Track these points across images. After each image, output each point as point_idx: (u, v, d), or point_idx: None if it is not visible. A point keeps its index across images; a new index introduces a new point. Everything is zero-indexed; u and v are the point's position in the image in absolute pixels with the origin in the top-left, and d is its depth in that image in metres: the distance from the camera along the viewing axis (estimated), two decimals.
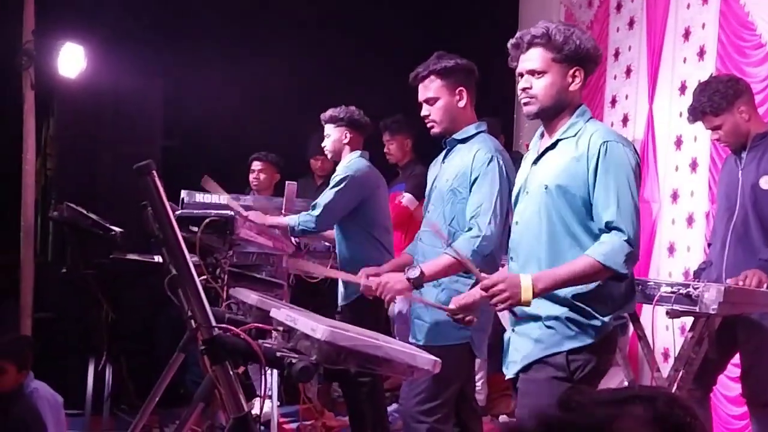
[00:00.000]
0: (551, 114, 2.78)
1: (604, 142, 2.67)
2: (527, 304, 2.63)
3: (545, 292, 2.64)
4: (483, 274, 2.77)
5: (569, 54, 2.71)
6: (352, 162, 4.54)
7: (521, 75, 2.79)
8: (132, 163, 2.21)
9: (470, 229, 3.30)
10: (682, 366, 3.52)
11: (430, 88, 3.46)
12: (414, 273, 3.22)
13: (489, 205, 3.29)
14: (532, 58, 2.75)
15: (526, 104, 2.78)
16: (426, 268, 3.24)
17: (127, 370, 5.27)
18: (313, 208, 4.44)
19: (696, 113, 3.87)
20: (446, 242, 3.14)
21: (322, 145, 4.73)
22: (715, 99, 3.77)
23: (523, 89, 2.77)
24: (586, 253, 2.63)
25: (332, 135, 4.62)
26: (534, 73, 2.75)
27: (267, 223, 4.48)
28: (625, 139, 2.76)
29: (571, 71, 2.74)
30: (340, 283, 4.51)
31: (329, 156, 4.76)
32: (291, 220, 4.44)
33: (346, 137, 4.59)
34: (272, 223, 4.49)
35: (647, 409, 1.35)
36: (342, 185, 4.42)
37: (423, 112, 3.52)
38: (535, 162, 2.84)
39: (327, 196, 4.43)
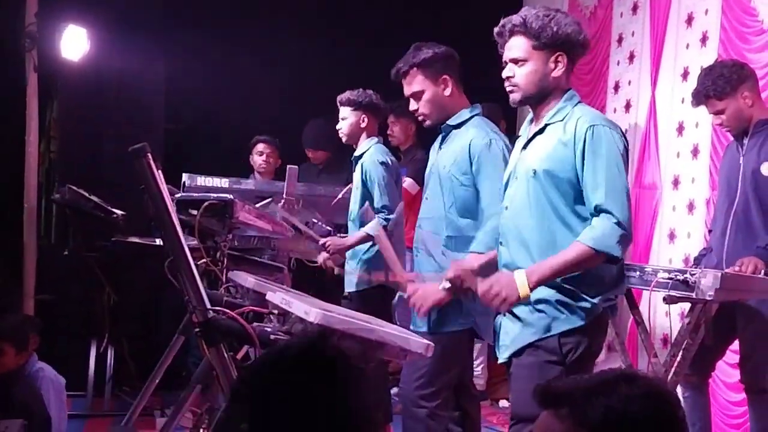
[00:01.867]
0: (536, 101, 2.80)
1: (591, 126, 2.67)
2: (527, 299, 2.64)
3: (540, 284, 2.65)
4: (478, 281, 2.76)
5: (548, 41, 2.72)
6: (372, 149, 4.48)
7: (506, 63, 2.81)
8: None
9: (489, 218, 3.25)
10: (678, 352, 3.54)
11: (413, 82, 3.44)
12: (447, 284, 3.12)
13: (501, 192, 3.27)
14: (514, 47, 2.77)
15: (510, 92, 2.81)
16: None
17: (129, 352, 5.31)
18: (379, 212, 4.36)
19: (699, 97, 3.87)
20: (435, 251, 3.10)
21: (337, 127, 4.64)
22: (719, 83, 3.77)
23: (507, 78, 2.79)
24: (578, 239, 2.63)
25: (349, 118, 4.55)
26: (516, 62, 2.76)
27: (348, 244, 4.45)
28: (612, 123, 2.77)
29: (553, 57, 2.74)
30: (347, 269, 4.49)
31: (344, 139, 4.67)
32: (370, 229, 4.24)
33: (363, 121, 4.53)
34: (354, 242, 4.44)
35: (629, 389, 1.37)
36: (380, 176, 4.37)
37: (411, 107, 3.51)
38: (525, 147, 2.85)
39: (378, 195, 4.37)
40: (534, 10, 2.77)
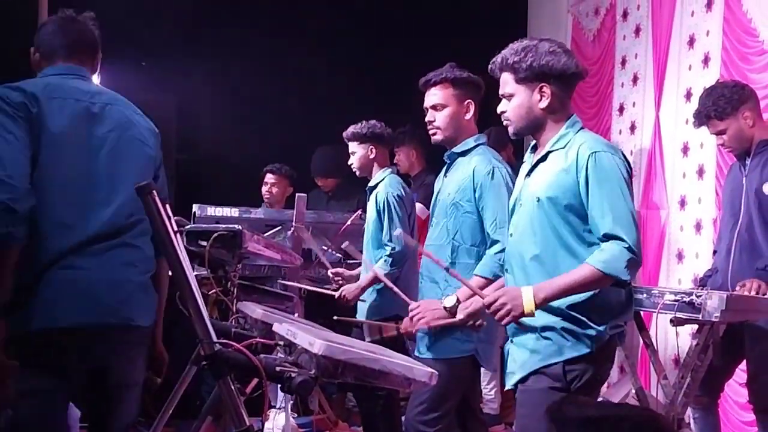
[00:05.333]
0: (530, 131, 2.85)
1: (592, 153, 2.69)
2: (531, 315, 2.65)
3: (547, 302, 2.66)
4: (485, 291, 2.83)
5: (526, 74, 2.76)
6: (387, 180, 4.50)
7: (501, 98, 2.88)
8: None
9: (494, 243, 3.33)
10: (688, 373, 3.56)
11: (439, 94, 3.53)
12: (451, 301, 3.17)
13: (504, 218, 3.30)
14: (503, 83, 2.84)
15: (506, 126, 2.88)
16: (461, 294, 3.22)
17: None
18: (386, 244, 4.38)
19: (701, 118, 3.91)
20: (444, 268, 3.09)
21: (349, 162, 4.68)
22: (720, 103, 3.81)
23: (500, 113, 2.86)
24: (587, 261, 2.64)
25: (358, 152, 4.59)
26: (506, 97, 2.83)
27: (362, 287, 4.44)
28: (613, 148, 2.78)
29: (537, 89, 2.77)
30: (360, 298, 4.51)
31: (357, 173, 4.70)
32: (378, 270, 4.26)
33: (372, 153, 4.56)
34: (366, 286, 4.43)
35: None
36: (393, 209, 4.38)
37: (428, 118, 3.57)
38: (528, 174, 2.88)
39: (387, 227, 4.36)
40: (516, 44, 2.82)
